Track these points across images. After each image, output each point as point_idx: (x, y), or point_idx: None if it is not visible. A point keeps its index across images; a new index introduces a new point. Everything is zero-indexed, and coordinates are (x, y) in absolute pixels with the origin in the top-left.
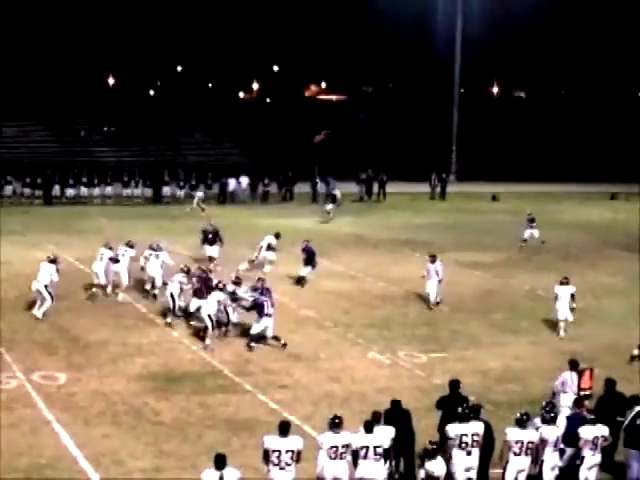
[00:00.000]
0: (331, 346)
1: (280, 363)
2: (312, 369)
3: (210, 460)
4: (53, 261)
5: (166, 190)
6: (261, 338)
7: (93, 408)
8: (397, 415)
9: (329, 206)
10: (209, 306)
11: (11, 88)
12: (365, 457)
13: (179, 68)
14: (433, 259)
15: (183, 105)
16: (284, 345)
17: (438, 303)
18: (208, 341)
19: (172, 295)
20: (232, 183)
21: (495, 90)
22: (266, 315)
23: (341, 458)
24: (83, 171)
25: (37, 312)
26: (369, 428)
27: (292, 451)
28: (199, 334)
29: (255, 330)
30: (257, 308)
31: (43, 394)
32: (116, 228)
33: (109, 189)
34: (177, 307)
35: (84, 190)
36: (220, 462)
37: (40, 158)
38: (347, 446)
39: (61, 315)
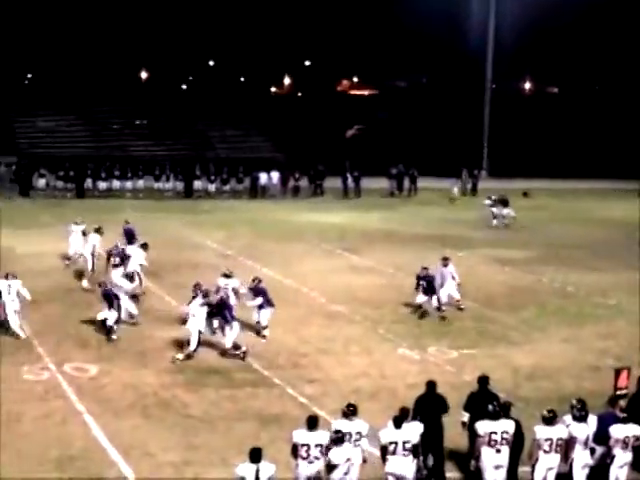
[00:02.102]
0: (361, 341)
1: (309, 357)
2: (341, 364)
3: (240, 454)
4: (98, 230)
5: (197, 184)
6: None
7: (123, 400)
8: (431, 399)
9: None
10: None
11: (45, 82)
12: (394, 453)
13: (211, 62)
14: (446, 262)
15: (215, 99)
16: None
17: (458, 301)
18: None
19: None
20: (263, 177)
21: (527, 86)
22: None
23: (355, 445)
24: (115, 164)
25: (85, 284)
26: (398, 423)
27: (321, 445)
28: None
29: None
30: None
31: (74, 386)
32: (147, 221)
33: (141, 182)
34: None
35: (116, 183)
36: (256, 456)
37: (73, 151)
38: (359, 434)
39: (93, 307)
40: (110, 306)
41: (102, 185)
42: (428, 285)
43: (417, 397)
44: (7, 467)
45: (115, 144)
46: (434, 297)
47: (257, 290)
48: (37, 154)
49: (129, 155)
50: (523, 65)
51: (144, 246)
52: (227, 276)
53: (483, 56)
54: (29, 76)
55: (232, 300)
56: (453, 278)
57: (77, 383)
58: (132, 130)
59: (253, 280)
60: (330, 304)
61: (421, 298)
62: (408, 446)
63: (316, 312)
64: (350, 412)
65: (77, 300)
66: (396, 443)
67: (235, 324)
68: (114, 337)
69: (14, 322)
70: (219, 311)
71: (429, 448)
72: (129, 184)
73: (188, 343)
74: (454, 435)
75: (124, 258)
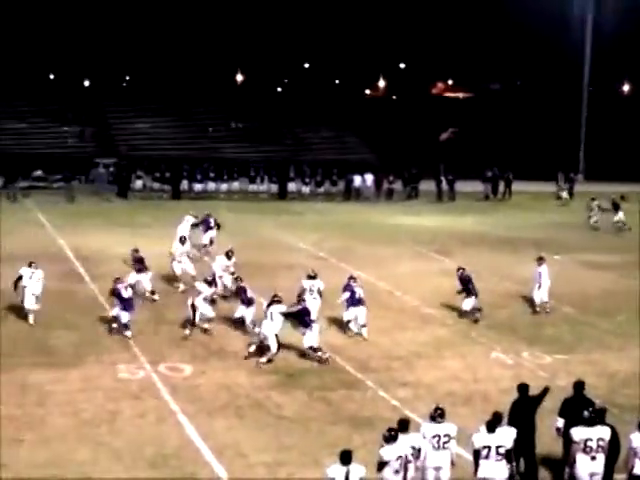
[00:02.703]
0: (454, 345)
1: (402, 361)
2: (434, 367)
3: (331, 455)
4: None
5: (291, 186)
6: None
7: (217, 400)
8: (525, 403)
9: None
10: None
11: (143, 85)
12: (487, 457)
13: (306, 65)
14: (541, 262)
15: (310, 102)
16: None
17: (546, 303)
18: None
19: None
20: (357, 180)
21: (626, 88)
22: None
23: (443, 448)
24: (211, 166)
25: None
26: (491, 428)
27: (414, 447)
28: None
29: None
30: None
31: (169, 385)
32: (241, 223)
33: (236, 184)
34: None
35: (211, 185)
36: (346, 458)
37: (169, 153)
38: (448, 436)
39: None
40: (122, 304)
41: (198, 187)
42: (465, 285)
43: (513, 401)
44: (103, 464)
45: (211, 146)
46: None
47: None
48: (135, 156)
49: (224, 157)
50: (622, 67)
51: (228, 254)
52: (312, 277)
53: (581, 58)
54: (127, 78)
55: (317, 302)
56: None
57: (171, 383)
58: (228, 132)
59: (349, 278)
60: (423, 307)
61: (468, 304)
62: (501, 451)
63: (409, 315)
64: (438, 415)
65: (172, 301)
66: (489, 447)
67: (315, 326)
68: (128, 334)
69: (29, 303)
70: (298, 317)
71: (522, 453)
72: (224, 186)
73: (268, 348)
74: (548, 441)
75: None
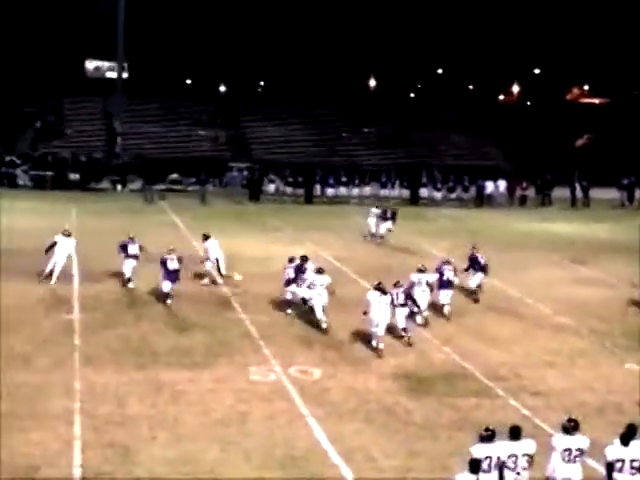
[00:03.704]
0: (586, 354)
1: (534, 369)
2: (566, 377)
3: (461, 462)
4: None
5: (423, 192)
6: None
7: (346, 404)
8: None
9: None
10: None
11: (276, 90)
12: (620, 471)
13: (439, 70)
14: None
15: (443, 107)
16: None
17: None
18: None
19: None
20: (489, 186)
21: None
22: None
23: (574, 461)
24: (343, 171)
25: None
26: (625, 441)
27: (527, 454)
28: None
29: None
30: None
31: (299, 388)
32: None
33: (367, 189)
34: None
35: (343, 190)
36: (475, 467)
37: (302, 158)
38: (580, 450)
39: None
40: (166, 274)
41: (330, 191)
42: (472, 264)
43: None
44: (233, 464)
45: (343, 151)
46: (478, 276)
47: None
48: (268, 160)
49: (356, 162)
50: None
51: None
52: (421, 271)
53: None
54: (262, 84)
55: (427, 294)
56: None
57: (301, 385)
58: (360, 138)
59: (443, 262)
60: (555, 316)
61: (474, 281)
62: (636, 465)
63: (541, 324)
64: (571, 427)
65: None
66: (623, 461)
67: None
68: (169, 302)
69: (59, 269)
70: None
71: None
72: (356, 191)
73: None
74: None
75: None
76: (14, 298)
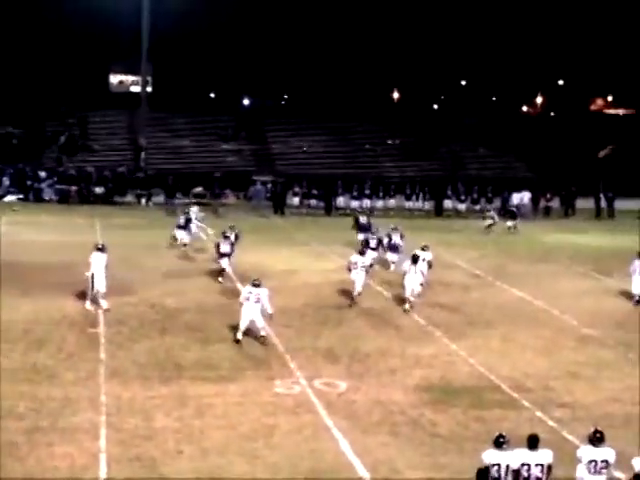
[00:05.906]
0: (613, 366)
1: (560, 381)
2: (593, 388)
3: None
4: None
5: (447, 203)
6: None
7: (372, 417)
8: None
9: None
10: None
11: (300, 103)
12: None
13: (463, 82)
14: None
15: (466, 119)
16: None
17: None
18: None
19: None
20: (514, 197)
21: None
22: None
23: (600, 473)
24: (367, 183)
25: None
26: None
27: (542, 465)
28: None
29: None
30: None
31: (324, 401)
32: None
33: (392, 201)
34: None
35: (367, 202)
36: (481, 475)
37: (326, 171)
38: (606, 461)
39: (342, 324)
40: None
41: (354, 203)
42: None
43: None
44: (261, 478)
45: (367, 163)
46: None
47: None
48: (292, 173)
49: (380, 174)
50: None
51: None
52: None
53: None
54: (285, 97)
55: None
56: None
57: (327, 398)
58: (384, 150)
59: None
60: (582, 327)
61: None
62: None
63: (567, 335)
64: (597, 439)
65: (328, 316)
66: None
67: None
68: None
69: (102, 287)
70: None
71: None
72: (380, 203)
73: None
74: None
75: None
76: (39, 312)
